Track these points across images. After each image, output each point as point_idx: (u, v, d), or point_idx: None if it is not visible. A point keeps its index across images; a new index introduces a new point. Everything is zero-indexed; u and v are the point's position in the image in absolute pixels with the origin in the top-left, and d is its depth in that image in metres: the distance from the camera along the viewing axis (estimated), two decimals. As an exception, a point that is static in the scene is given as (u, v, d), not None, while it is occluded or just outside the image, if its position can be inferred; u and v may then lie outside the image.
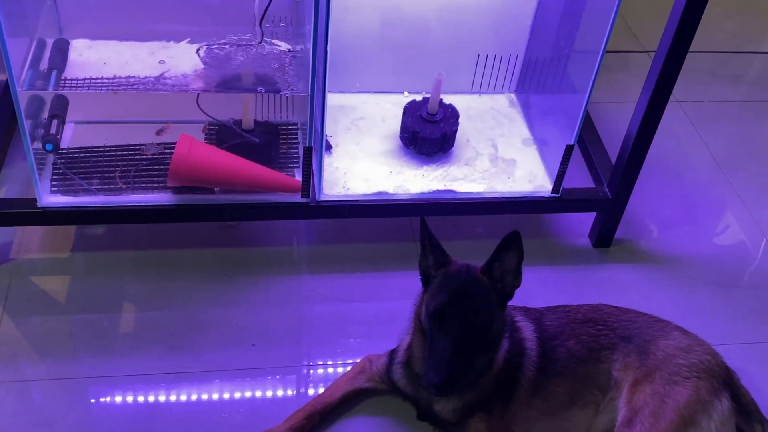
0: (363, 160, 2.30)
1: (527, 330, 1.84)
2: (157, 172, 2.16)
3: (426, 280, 1.77)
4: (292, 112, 2.35)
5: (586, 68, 2.10)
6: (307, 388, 1.99)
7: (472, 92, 2.57)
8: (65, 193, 2.10)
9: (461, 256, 2.31)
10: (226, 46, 2.07)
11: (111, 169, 2.16)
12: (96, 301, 2.10)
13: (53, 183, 2.11)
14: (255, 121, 2.24)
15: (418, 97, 2.40)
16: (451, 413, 1.81)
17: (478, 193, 2.25)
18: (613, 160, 2.30)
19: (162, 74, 2.01)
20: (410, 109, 2.33)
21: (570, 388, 1.82)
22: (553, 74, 2.37)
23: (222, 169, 2.10)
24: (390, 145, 2.36)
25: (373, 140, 2.37)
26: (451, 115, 2.33)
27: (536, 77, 2.48)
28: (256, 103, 2.26)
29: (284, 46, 2.08)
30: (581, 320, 1.88)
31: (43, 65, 2.03)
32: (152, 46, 2.07)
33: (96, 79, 2.00)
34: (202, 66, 2.04)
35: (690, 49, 1.98)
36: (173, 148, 2.09)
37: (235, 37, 2.07)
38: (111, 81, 2.00)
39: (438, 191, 2.24)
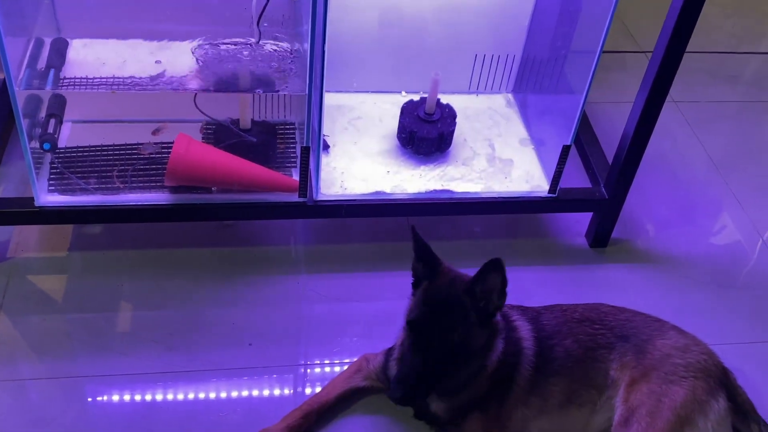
0: (360, 159, 2.31)
1: (524, 329, 1.85)
2: (154, 172, 2.16)
3: (417, 284, 1.77)
4: (289, 111, 2.35)
5: (583, 68, 2.10)
6: (304, 387, 1.99)
7: (469, 92, 2.57)
8: (63, 192, 2.10)
9: (459, 256, 2.32)
10: (224, 46, 2.07)
11: (108, 168, 2.16)
12: (93, 300, 2.10)
13: (51, 182, 2.11)
14: (252, 120, 2.24)
15: (416, 97, 2.40)
16: (447, 412, 1.82)
17: (476, 192, 2.25)
18: (610, 160, 2.31)
19: (159, 74, 2.01)
20: (408, 109, 2.33)
21: (567, 388, 1.83)
22: (550, 74, 2.38)
23: (219, 169, 2.10)
24: (387, 145, 2.36)
25: (370, 140, 2.37)
26: (448, 115, 2.33)
27: (533, 77, 2.48)
28: (253, 103, 2.26)
29: (282, 45, 2.08)
30: (578, 319, 1.88)
31: (41, 64, 2.03)
32: (150, 45, 2.07)
33: (94, 78, 2.00)
34: (199, 65, 2.04)
35: (687, 49, 1.99)
36: (171, 147, 2.09)
37: (233, 37, 2.07)
38: (109, 80, 2.00)
39: (435, 191, 2.24)
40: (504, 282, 1.67)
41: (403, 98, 2.46)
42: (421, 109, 2.31)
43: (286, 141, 2.30)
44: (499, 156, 2.37)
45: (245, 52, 2.06)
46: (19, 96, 1.91)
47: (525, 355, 1.82)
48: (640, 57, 3.16)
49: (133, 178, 2.15)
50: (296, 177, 2.16)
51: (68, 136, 2.25)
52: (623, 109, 2.30)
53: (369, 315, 2.15)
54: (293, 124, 2.35)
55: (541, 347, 1.83)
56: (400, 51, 2.43)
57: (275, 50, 2.07)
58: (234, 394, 1.95)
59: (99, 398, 1.91)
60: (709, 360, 1.82)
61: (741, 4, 3.58)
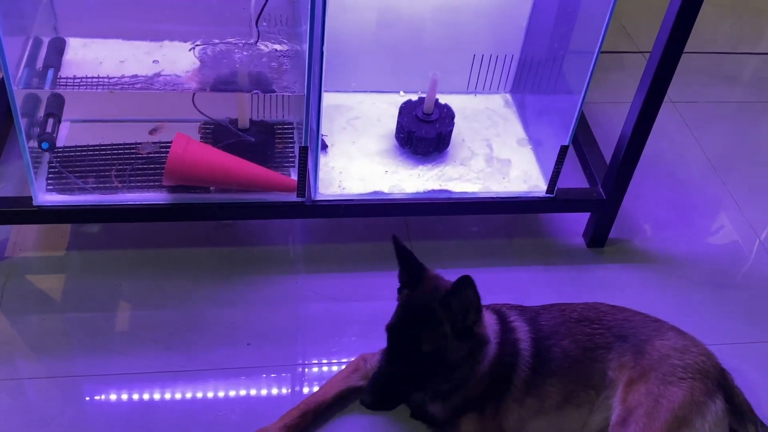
0: (358, 159, 2.31)
1: (522, 331, 1.85)
2: (152, 171, 2.16)
3: (401, 291, 1.78)
4: (287, 111, 2.35)
5: (582, 69, 2.10)
6: (301, 387, 1.99)
7: (467, 92, 2.57)
8: (61, 191, 2.10)
9: (457, 256, 2.33)
10: (222, 46, 2.07)
11: (107, 167, 2.17)
12: (91, 300, 2.10)
13: (49, 181, 2.11)
14: (251, 120, 2.24)
15: (414, 97, 2.41)
16: (443, 413, 1.82)
17: (473, 193, 2.26)
18: (608, 160, 2.31)
19: (158, 73, 2.01)
20: (406, 109, 2.33)
21: (564, 388, 1.83)
22: (548, 75, 2.38)
23: (218, 169, 2.10)
24: (385, 145, 2.36)
25: (368, 140, 2.38)
26: (446, 115, 2.33)
27: (531, 77, 2.48)
28: (251, 103, 2.26)
29: (280, 45, 2.08)
30: (577, 319, 1.88)
31: (39, 64, 2.03)
32: (148, 45, 2.07)
33: (92, 78, 2.00)
34: (197, 65, 2.04)
35: (685, 50, 1.99)
36: (169, 147, 2.09)
37: (231, 37, 2.07)
38: (107, 80, 2.00)
39: (433, 191, 2.24)
40: (477, 298, 1.66)
41: (402, 98, 2.46)
42: (420, 109, 2.31)
43: (285, 141, 2.31)
44: (497, 156, 2.38)
45: (244, 52, 2.06)
46: (18, 95, 1.90)
47: (522, 357, 1.82)
48: (638, 57, 3.16)
49: (132, 178, 2.15)
50: (294, 177, 2.16)
51: (66, 135, 2.25)
52: (621, 109, 2.30)
53: (367, 315, 2.15)
54: (291, 123, 2.35)
55: (538, 348, 1.83)
56: (399, 51, 2.43)
57: (274, 50, 2.07)
58: (232, 393, 1.95)
59: (97, 397, 1.91)
60: (708, 361, 1.83)
61: (739, 5, 3.59)
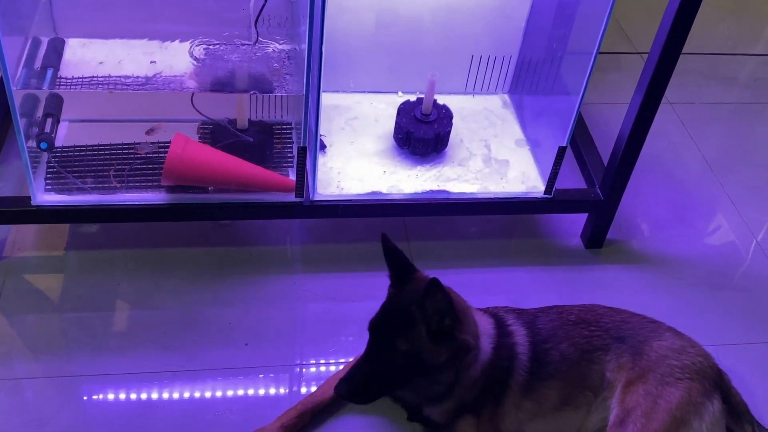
0: (357, 160, 2.31)
1: (519, 334, 1.85)
2: (151, 171, 2.16)
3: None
4: (286, 111, 2.36)
5: (580, 70, 2.10)
6: (299, 387, 1.99)
7: (465, 93, 2.58)
8: (59, 191, 2.10)
9: (455, 257, 2.33)
10: (221, 46, 2.07)
11: (105, 167, 2.16)
12: (90, 300, 2.10)
13: (47, 181, 2.11)
14: (249, 120, 2.24)
15: (412, 98, 2.41)
16: (440, 415, 1.82)
17: (472, 193, 2.26)
18: (605, 161, 2.31)
19: (156, 74, 2.01)
20: (404, 110, 2.33)
21: (562, 390, 1.83)
22: (546, 75, 2.38)
23: (216, 169, 2.10)
24: (384, 145, 2.36)
25: (367, 140, 2.38)
26: (444, 116, 2.34)
27: (529, 78, 2.49)
28: (250, 103, 2.26)
29: (279, 46, 2.08)
30: (574, 322, 1.89)
31: (38, 64, 2.03)
32: (147, 45, 2.07)
33: (91, 78, 2.00)
34: (196, 65, 2.04)
35: (682, 51, 1.99)
36: (167, 147, 2.09)
37: (230, 37, 2.07)
38: (106, 80, 2.00)
39: (431, 191, 2.24)
40: (450, 304, 1.66)
41: (400, 98, 2.46)
42: (418, 109, 2.32)
43: (283, 141, 2.31)
44: (495, 157, 2.38)
45: (243, 53, 2.06)
46: (17, 95, 1.90)
47: (520, 360, 1.82)
48: (636, 58, 3.17)
49: (130, 178, 2.15)
50: (293, 177, 2.16)
51: (65, 135, 2.25)
52: (618, 109, 2.30)
53: (365, 315, 2.13)
54: (290, 124, 2.35)
55: (536, 352, 1.83)
56: (397, 51, 2.43)
57: (272, 51, 2.07)
58: (230, 393, 1.95)
59: (95, 397, 1.91)
60: (705, 362, 1.83)
61: (736, 6, 3.59)
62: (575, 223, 2.45)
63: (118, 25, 2.08)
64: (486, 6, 2.40)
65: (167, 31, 2.06)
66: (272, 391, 1.98)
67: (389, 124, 2.39)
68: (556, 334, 1.86)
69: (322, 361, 2.05)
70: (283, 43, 2.08)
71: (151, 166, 2.18)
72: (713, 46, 3.32)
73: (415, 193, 2.24)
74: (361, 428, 1.92)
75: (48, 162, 2.15)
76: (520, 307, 1.96)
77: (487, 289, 2.26)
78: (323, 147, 2.31)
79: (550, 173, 2.24)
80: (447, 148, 2.36)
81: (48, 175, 2.12)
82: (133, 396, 1.92)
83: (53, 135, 2.04)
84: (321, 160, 2.26)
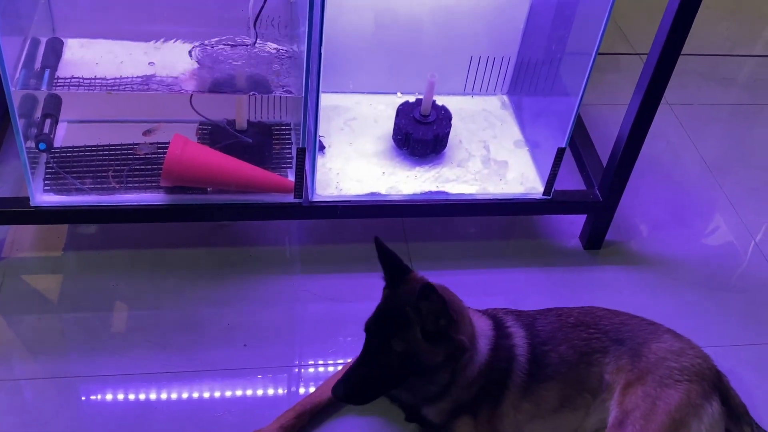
0: (356, 160, 2.31)
1: (518, 336, 1.85)
2: (150, 172, 2.16)
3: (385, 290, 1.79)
4: (285, 112, 2.35)
5: (579, 71, 2.10)
6: (298, 388, 1.99)
7: (464, 94, 2.58)
8: (58, 192, 2.10)
9: (454, 257, 2.33)
10: (220, 47, 2.07)
11: (104, 168, 2.16)
12: (88, 300, 2.10)
13: (46, 182, 2.11)
14: (248, 121, 2.24)
15: (411, 98, 2.41)
16: (438, 416, 1.83)
17: (470, 194, 2.26)
18: (604, 162, 2.31)
19: (155, 74, 2.01)
20: (403, 111, 2.33)
21: (561, 393, 1.83)
22: (545, 76, 2.38)
23: (215, 170, 2.10)
24: (383, 146, 2.36)
25: (366, 141, 2.38)
26: (443, 117, 2.34)
27: (528, 79, 2.49)
28: (249, 104, 2.26)
29: (278, 47, 2.08)
30: (573, 324, 1.89)
31: (37, 64, 2.03)
32: (146, 46, 2.07)
33: (89, 78, 2.00)
34: (195, 67, 2.04)
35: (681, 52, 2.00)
36: (166, 147, 2.09)
37: (230, 38, 2.07)
38: (104, 81, 1.99)
39: (430, 192, 2.24)
40: (444, 306, 1.66)
41: (399, 99, 2.46)
42: (417, 110, 2.32)
43: (282, 142, 2.31)
44: (494, 158, 2.38)
45: (242, 54, 2.06)
46: (15, 96, 1.90)
47: (518, 362, 1.82)
48: (635, 59, 3.17)
49: (129, 179, 2.15)
50: (292, 178, 2.16)
51: (64, 136, 2.25)
52: (617, 110, 2.31)
53: (363, 315, 2.13)
54: (289, 124, 2.35)
55: (534, 353, 1.84)
56: (396, 52, 2.43)
57: (272, 52, 2.07)
58: (228, 394, 1.95)
59: (94, 398, 1.91)
60: (704, 363, 1.83)
61: (735, 7, 3.60)
62: (574, 224, 2.45)
63: (117, 25, 2.08)
64: (485, 7, 2.40)
65: (166, 31, 2.06)
66: (271, 391, 1.98)
67: (388, 124, 2.39)
68: (555, 336, 1.86)
69: (321, 362, 2.05)
70: (282, 44, 2.08)
71: (149, 166, 2.18)
72: (712, 47, 3.33)
73: (414, 194, 2.24)
74: (359, 429, 1.92)
75: (47, 162, 2.15)
76: (519, 309, 1.96)
77: (486, 290, 2.26)
78: (322, 148, 2.31)
79: (549, 174, 2.24)
80: (446, 149, 2.36)
81: (47, 176, 2.12)
82: (132, 397, 1.92)
83: (52, 136, 2.04)
84: (320, 160, 2.26)
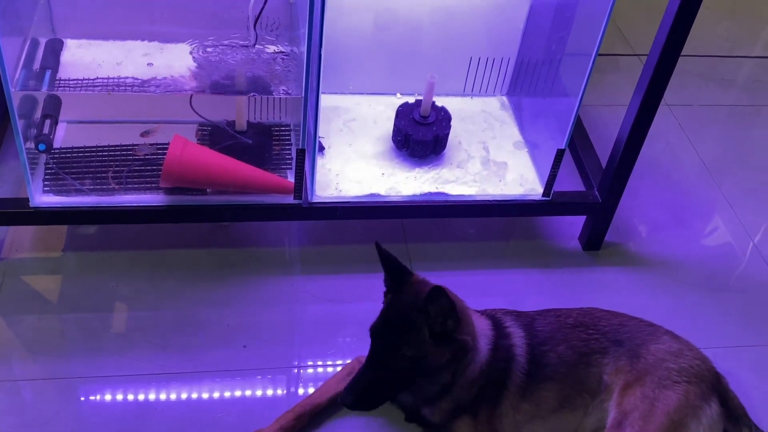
0: (355, 161, 2.31)
1: (517, 336, 1.85)
2: (149, 173, 2.16)
3: (386, 295, 1.80)
4: (285, 113, 2.36)
5: (578, 72, 2.10)
6: (297, 389, 1.99)
7: (464, 95, 2.58)
8: (58, 193, 2.10)
9: (453, 258, 2.33)
10: (220, 48, 2.07)
11: (103, 169, 2.16)
12: (88, 301, 2.10)
13: (46, 183, 2.11)
14: (248, 122, 2.24)
15: (411, 99, 2.41)
16: (437, 416, 1.83)
17: (470, 195, 2.26)
18: (604, 163, 2.32)
19: (155, 76, 2.01)
20: (403, 112, 2.34)
21: (560, 393, 1.84)
22: (544, 77, 2.38)
23: (215, 171, 2.10)
24: (382, 147, 2.37)
25: (365, 142, 2.38)
26: (443, 118, 2.34)
27: (528, 80, 2.49)
28: (249, 105, 2.26)
29: (278, 48, 2.08)
30: (572, 325, 1.89)
31: (37, 65, 2.03)
32: (146, 47, 2.07)
33: (89, 79, 2.00)
34: (195, 67, 2.04)
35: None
36: (166, 148, 2.09)
37: (230, 39, 2.07)
38: (104, 81, 2.00)
39: (430, 193, 2.24)
40: (452, 307, 1.67)
41: (398, 100, 2.46)
42: (417, 111, 2.32)
43: (282, 143, 2.31)
44: (494, 159, 2.38)
45: (242, 55, 2.06)
46: (15, 97, 1.90)
47: (517, 362, 1.82)
48: (634, 60, 3.17)
49: (129, 179, 2.15)
50: (292, 179, 2.16)
51: (63, 136, 2.25)
52: (616, 111, 2.31)
53: (363, 316, 2.14)
54: (289, 125, 2.35)
55: (534, 354, 1.84)
56: (396, 53, 2.43)
57: (272, 53, 2.07)
58: (228, 395, 1.95)
59: (93, 398, 1.91)
60: (702, 365, 1.84)
61: (734, 8, 3.60)
62: (573, 225, 2.45)
63: (117, 26, 2.08)
64: (484, 8, 2.41)
65: (166, 32, 2.06)
66: (270, 392, 1.98)
67: (388, 125, 2.39)
68: (554, 337, 1.87)
69: (321, 363, 2.05)
70: (282, 45, 2.08)
71: (149, 167, 2.18)
72: (711, 48, 3.33)
73: (414, 195, 2.24)
74: (359, 430, 1.92)
75: (46, 163, 2.15)
76: (518, 310, 1.96)
77: (485, 291, 2.26)
78: (322, 149, 2.31)
79: (549, 175, 2.24)
80: (445, 150, 2.36)
81: (46, 177, 2.12)
82: (132, 397, 1.92)
83: (51, 136, 2.03)
84: (319, 161, 2.26)
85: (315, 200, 2.17)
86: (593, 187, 2.33)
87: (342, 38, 2.33)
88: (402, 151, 2.34)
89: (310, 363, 2.05)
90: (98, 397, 1.92)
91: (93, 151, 2.21)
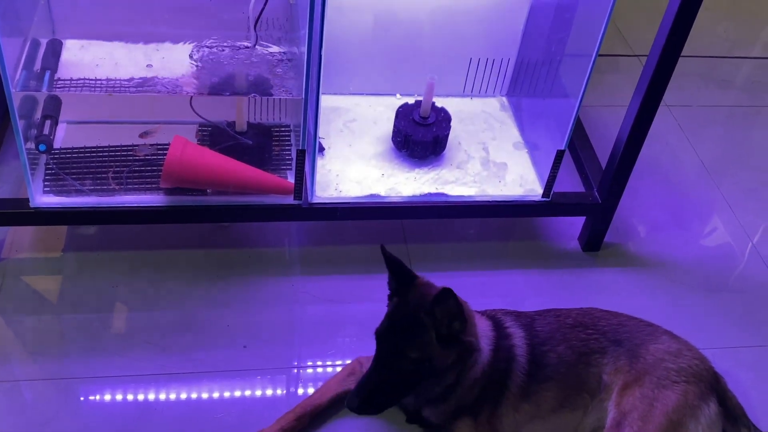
0: (355, 162, 2.31)
1: (517, 336, 1.86)
2: (149, 173, 2.17)
3: (391, 298, 1.79)
4: (285, 114, 2.36)
5: (578, 72, 2.10)
6: (297, 389, 1.99)
7: (463, 95, 2.58)
8: (58, 193, 2.10)
9: (453, 259, 2.33)
10: (221, 49, 2.07)
11: (104, 169, 2.17)
12: (87, 302, 2.10)
13: (46, 183, 2.11)
14: (248, 123, 2.24)
15: (411, 100, 2.41)
16: (438, 417, 1.83)
17: (470, 196, 2.26)
18: (603, 164, 2.32)
19: (155, 76, 2.01)
20: (403, 112, 2.34)
21: (559, 393, 1.84)
22: (544, 78, 2.39)
23: (215, 171, 2.10)
24: (382, 148, 2.37)
25: (365, 143, 2.38)
26: (443, 119, 2.34)
27: (528, 81, 2.49)
28: (249, 105, 2.26)
29: (278, 49, 2.09)
30: (572, 325, 1.89)
31: (37, 66, 2.03)
32: (146, 47, 2.07)
33: (89, 80, 2.00)
34: (195, 68, 2.04)
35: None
36: (166, 149, 2.09)
37: (230, 40, 2.08)
38: (104, 82, 2.00)
39: (429, 194, 2.24)
40: (460, 308, 1.68)
41: (398, 101, 2.46)
42: (416, 112, 2.32)
43: (282, 143, 2.31)
44: (493, 160, 2.38)
45: (242, 56, 2.06)
46: (15, 97, 1.90)
47: (518, 363, 1.83)
48: (634, 60, 3.17)
49: (129, 180, 2.15)
50: (291, 179, 2.16)
51: (63, 137, 2.25)
52: (616, 111, 2.31)
53: (363, 317, 2.15)
54: (289, 126, 2.35)
55: (533, 354, 1.84)
56: (396, 54, 2.43)
57: (272, 54, 2.07)
58: (228, 395, 1.95)
59: (92, 398, 1.91)
60: (701, 365, 1.84)
61: (734, 9, 3.60)
62: (573, 226, 2.45)
63: (117, 27, 2.08)
64: (484, 8, 2.41)
65: (167, 33, 2.06)
66: (270, 393, 1.98)
67: (388, 126, 2.39)
68: (554, 337, 1.87)
69: (321, 363, 2.05)
70: (282, 46, 2.08)
71: (149, 168, 2.18)
72: (710, 49, 3.33)
73: (414, 196, 2.24)
74: (360, 430, 1.92)
75: (46, 164, 2.15)
76: (517, 310, 1.96)
77: (485, 292, 2.26)
78: (322, 149, 2.32)
79: (548, 176, 2.24)
80: (445, 151, 2.37)
81: (46, 177, 2.12)
82: (131, 398, 1.92)
83: (52, 137, 2.04)
84: (319, 162, 2.26)
85: (315, 201, 2.17)
86: (593, 187, 2.33)
87: (342, 39, 2.33)
88: (402, 151, 2.34)
89: (309, 363, 2.05)
90: (98, 397, 1.92)
91: (93, 152, 2.21)
